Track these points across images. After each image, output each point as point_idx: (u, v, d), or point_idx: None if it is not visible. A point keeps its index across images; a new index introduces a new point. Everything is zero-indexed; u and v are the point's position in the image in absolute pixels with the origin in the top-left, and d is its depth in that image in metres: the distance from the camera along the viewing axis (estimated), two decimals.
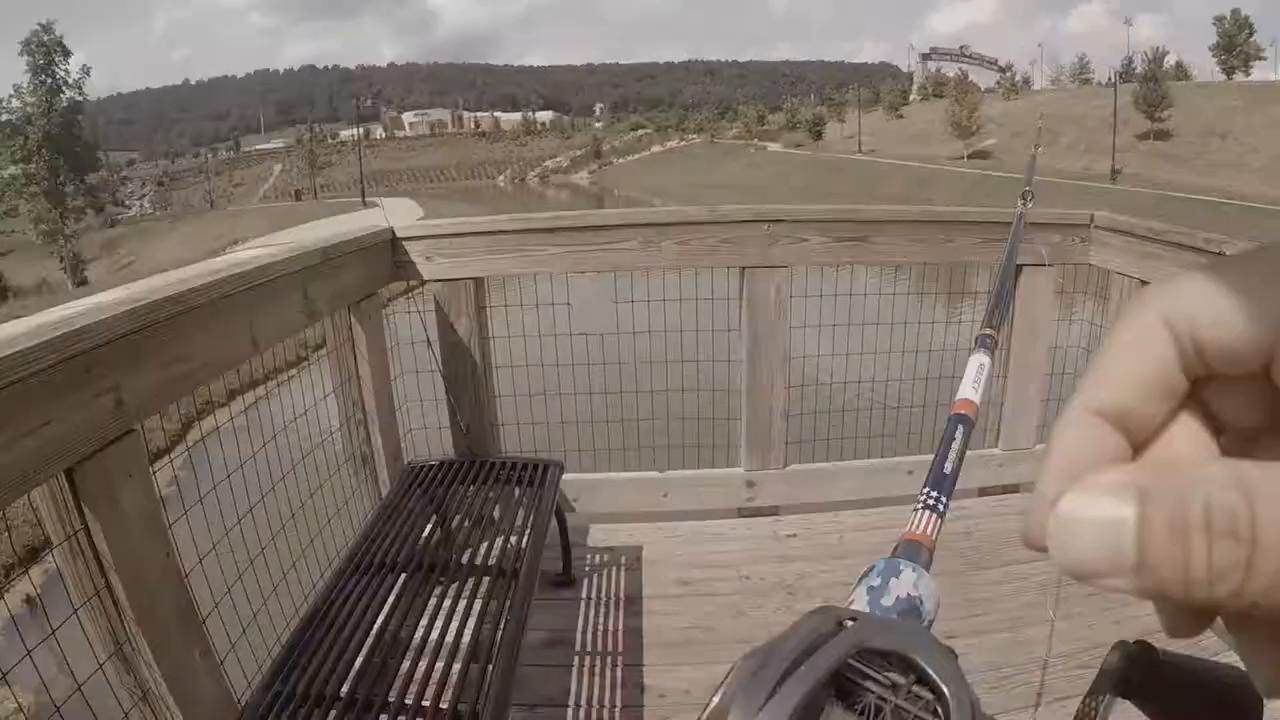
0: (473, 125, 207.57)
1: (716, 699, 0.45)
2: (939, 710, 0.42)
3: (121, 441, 1.76)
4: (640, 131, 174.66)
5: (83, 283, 44.31)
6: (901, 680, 0.44)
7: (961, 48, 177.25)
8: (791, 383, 3.85)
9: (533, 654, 2.98)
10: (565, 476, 3.56)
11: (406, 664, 2.07)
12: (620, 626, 3.22)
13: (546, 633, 3.13)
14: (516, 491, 3.06)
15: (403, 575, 2.45)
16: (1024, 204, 1.62)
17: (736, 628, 3.19)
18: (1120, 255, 3.65)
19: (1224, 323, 0.28)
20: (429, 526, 2.80)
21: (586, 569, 3.58)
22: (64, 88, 49.31)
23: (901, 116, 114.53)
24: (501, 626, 2.23)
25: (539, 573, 2.64)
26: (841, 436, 4.13)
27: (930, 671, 0.43)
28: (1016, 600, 3.31)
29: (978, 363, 0.82)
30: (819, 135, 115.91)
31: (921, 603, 0.55)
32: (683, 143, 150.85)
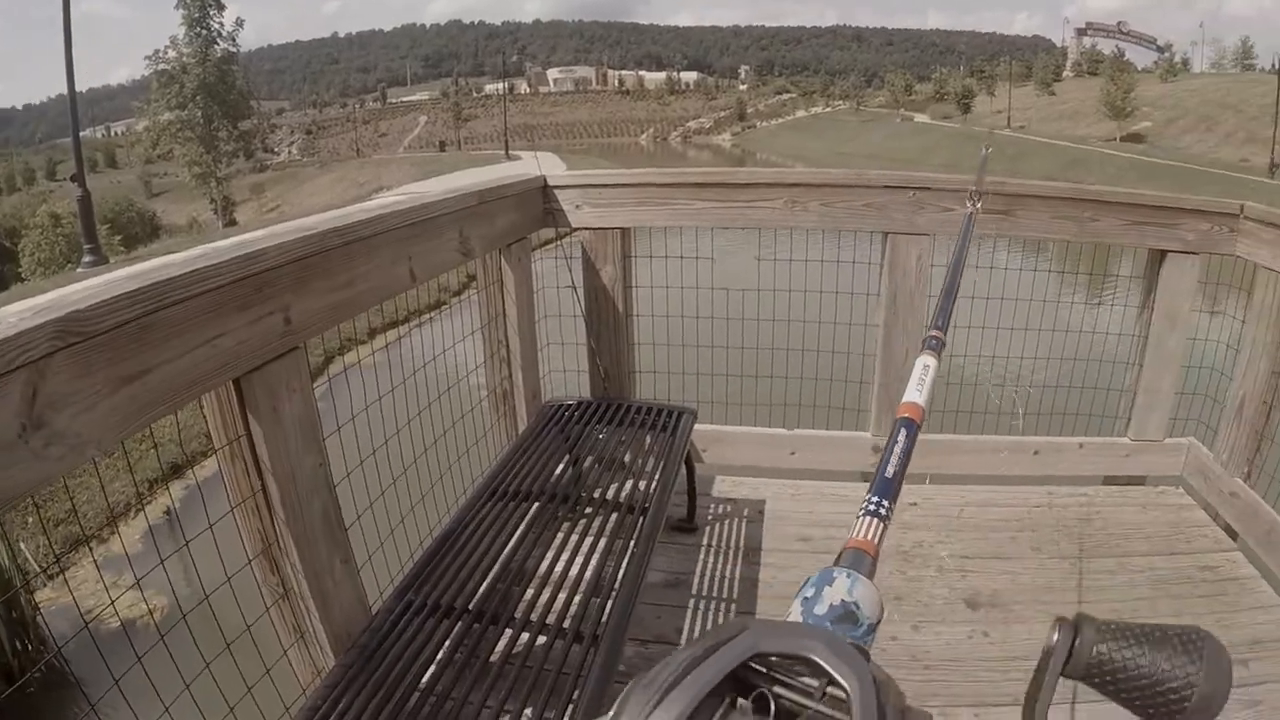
0: (617, 83, 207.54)
1: (610, 714, 0.43)
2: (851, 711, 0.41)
3: (286, 357, 1.86)
4: (785, 96, 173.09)
5: (231, 223, 45.48)
6: (814, 684, 0.45)
7: (1119, 24, 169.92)
8: None
9: (651, 593, 3.05)
10: (696, 426, 3.63)
11: (531, 590, 2.14)
12: (738, 575, 3.27)
13: (665, 574, 3.19)
14: (649, 437, 3.11)
15: (535, 505, 2.53)
16: (974, 205, 1.56)
17: None
18: (1269, 248, 3.48)
19: None
20: (562, 463, 2.87)
21: (709, 517, 3.64)
22: (218, 39, 50.60)
23: (1053, 93, 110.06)
24: (625, 563, 2.29)
25: (664, 516, 2.69)
26: (971, 411, 4.09)
27: (832, 671, 0.43)
28: (1128, 593, 3.25)
29: (923, 364, 0.83)
30: (967, 108, 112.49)
31: (857, 607, 0.55)
32: (827, 109, 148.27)
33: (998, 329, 3.83)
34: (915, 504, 3.80)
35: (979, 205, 1.37)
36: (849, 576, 0.58)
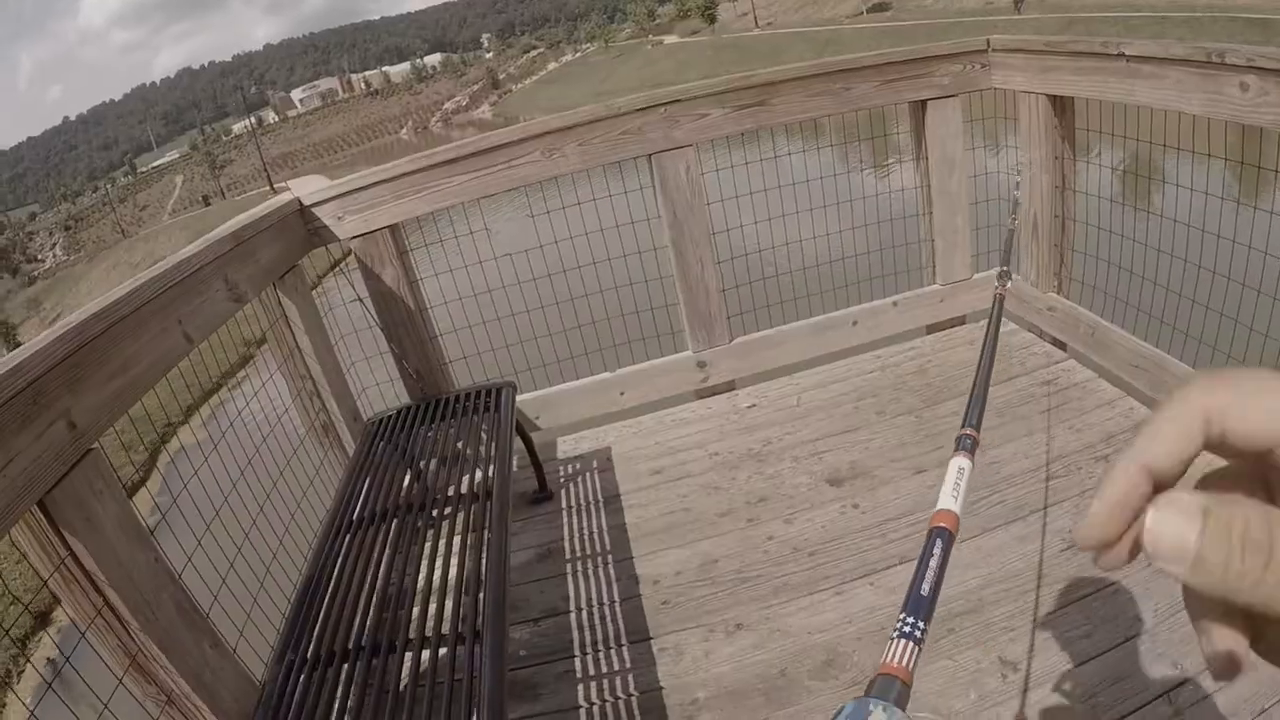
0: (363, 86, 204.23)
1: None
2: None
3: (83, 463, 1.81)
4: (533, 52, 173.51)
5: (16, 345, 43.42)
6: None
7: None
8: (728, 256, 3.96)
9: (527, 571, 3.12)
10: (523, 396, 3.67)
11: (416, 608, 2.15)
12: (604, 526, 3.34)
13: (536, 549, 3.24)
14: (476, 422, 3.12)
15: (392, 523, 2.52)
16: (1001, 286, 1.53)
17: (713, 502, 3.33)
18: (1022, 74, 3.72)
19: (1246, 419, 0.40)
20: (404, 474, 2.87)
21: (562, 480, 3.70)
22: None
23: None
24: (485, 552, 2.31)
25: (511, 494, 2.71)
26: (788, 299, 4.20)
27: None
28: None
29: (957, 467, 0.78)
30: (713, 19, 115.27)
31: None
32: (577, 54, 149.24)
33: (797, 213, 3.96)
34: (754, 405, 3.94)
35: (1008, 286, 1.33)
36: (885, 710, 0.54)
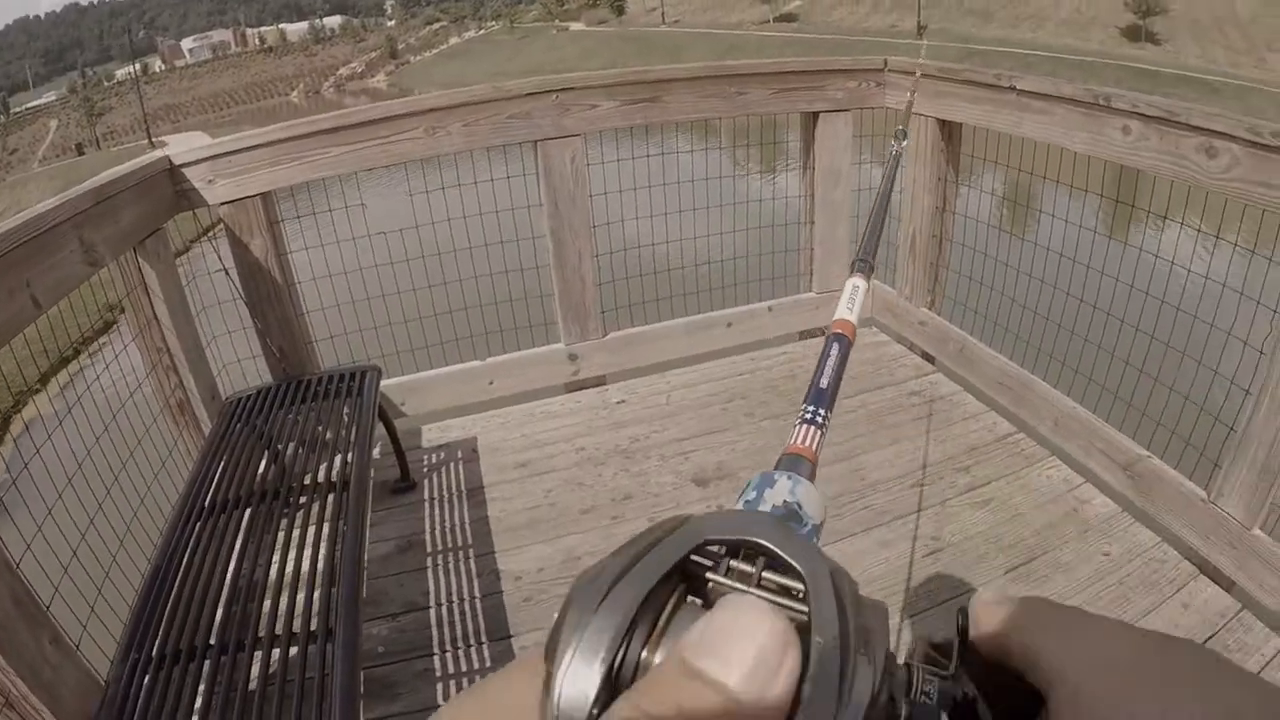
0: (258, 42, 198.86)
1: (556, 614, 0.40)
2: (801, 588, 0.40)
3: None
4: (436, 25, 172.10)
5: None
6: (750, 569, 0.42)
7: None
8: (607, 250, 3.94)
9: (387, 564, 3.06)
10: (389, 381, 3.61)
11: (268, 602, 2.07)
12: (467, 519, 3.30)
13: (396, 541, 3.19)
14: (338, 406, 3.05)
15: (246, 511, 2.44)
16: (898, 144, 1.59)
17: (578, 498, 3.34)
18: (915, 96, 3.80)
19: None
20: (261, 458, 2.77)
21: (425, 470, 3.64)
22: None
23: None
24: (340, 545, 2.26)
25: (372, 483, 2.66)
26: (664, 297, 4.21)
27: (786, 556, 0.41)
28: (848, 432, 3.63)
29: (852, 285, 0.84)
30: (621, 10, 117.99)
31: (800, 507, 0.54)
32: (481, 31, 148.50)
33: (680, 212, 3.97)
34: (624, 401, 3.95)
35: (904, 144, 1.43)
36: (790, 479, 0.56)
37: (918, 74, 3.46)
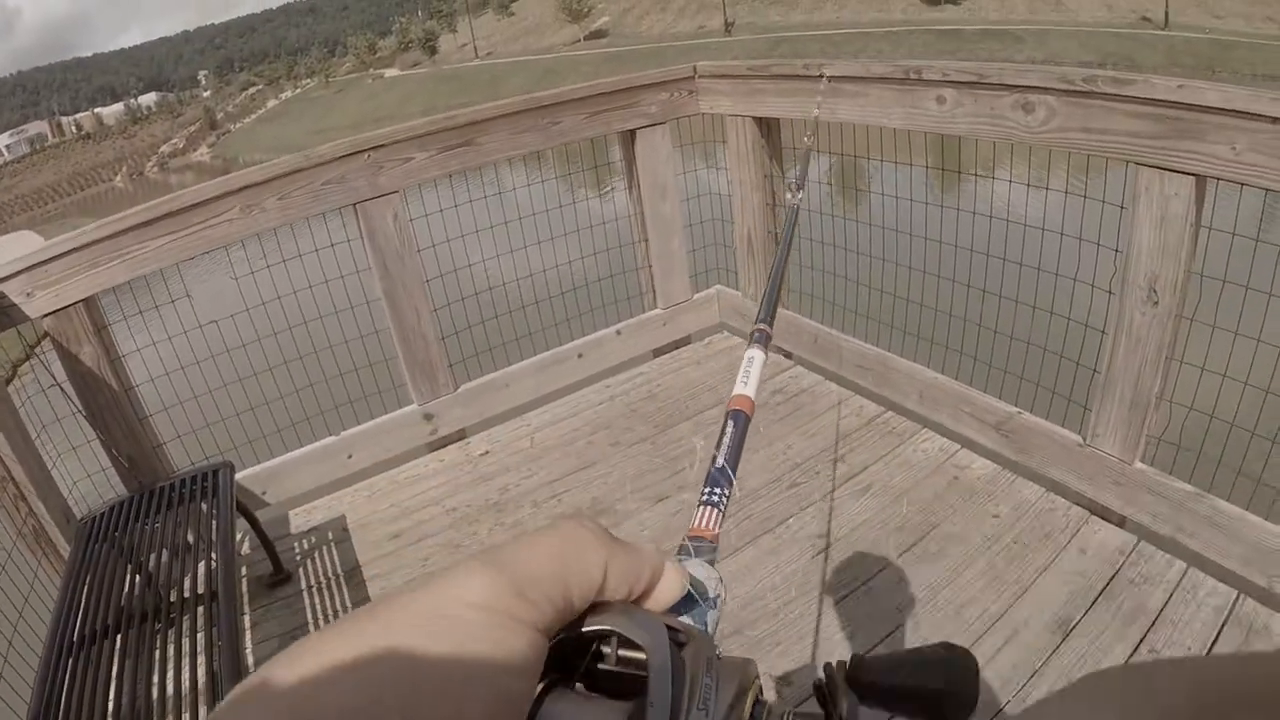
0: (75, 130, 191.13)
1: None
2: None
3: None
4: (252, 89, 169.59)
5: None
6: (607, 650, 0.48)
7: None
8: (444, 302, 3.89)
9: None
10: (248, 471, 3.57)
11: None
12: (348, 602, 3.24)
13: (279, 638, 3.10)
14: (195, 509, 2.96)
15: (118, 636, 2.34)
16: (794, 196, 1.58)
17: (456, 561, 3.24)
18: (728, 98, 3.95)
19: None
20: (125, 577, 2.66)
21: (298, 557, 3.55)
22: None
23: (512, 14, 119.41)
24: (216, 659, 2.20)
25: (244, 582, 2.59)
26: (510, 340, 4.18)
27: (628, 635, 0.46)
28: (709, 443, 3.57)
29: (748, 357, 0.85)
30: (434, 50, 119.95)
31: (693, 587, 0.56)
32: (297, 90, 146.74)
33: (509, 252, 3.96)
34: (487, 452, 3.95)
35: (800, 196, 1.40)
36: (697, 565, 0.59)
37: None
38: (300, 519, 3.78)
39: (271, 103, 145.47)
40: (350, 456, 3.87)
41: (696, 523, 0.65)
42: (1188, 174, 2.40)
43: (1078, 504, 3.02)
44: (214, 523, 2.85)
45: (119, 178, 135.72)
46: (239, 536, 3.52)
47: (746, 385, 0.80)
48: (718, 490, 0.67)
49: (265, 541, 3.36)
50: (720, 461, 0.70)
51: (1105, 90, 2.50)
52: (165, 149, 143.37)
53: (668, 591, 0.49)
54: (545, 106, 3.82)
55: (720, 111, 3.99)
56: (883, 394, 3.70)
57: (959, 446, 3.39)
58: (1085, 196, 2.87)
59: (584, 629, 0.47)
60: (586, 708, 0.45)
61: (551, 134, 3.84)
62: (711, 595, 0.56)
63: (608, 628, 0.46)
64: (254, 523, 3.33)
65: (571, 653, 0.47)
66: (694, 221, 4.45)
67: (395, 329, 3.79)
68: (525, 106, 3.80)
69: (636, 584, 0.48)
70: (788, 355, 4.15)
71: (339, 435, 3.87)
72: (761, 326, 0.93)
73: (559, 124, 3.84)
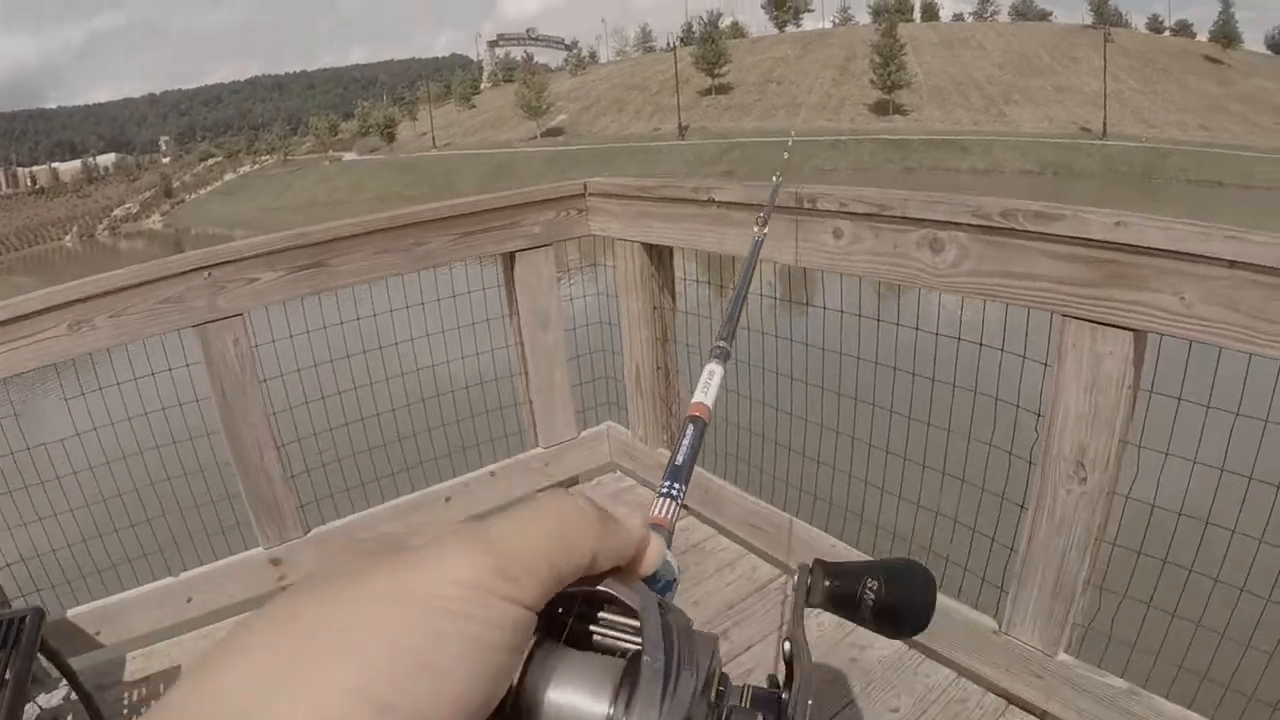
0: (30, 182, 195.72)
1: None
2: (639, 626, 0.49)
3: None
4: (211, 160, 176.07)
5: None
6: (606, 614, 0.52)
7: (528, 30, 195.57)
8: (293, 437, 3.66)
9: None
10: (79, 609, 3.34)
11: None
12: None
13: None
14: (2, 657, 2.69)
15: None
16: (760, 229, 1.56)
17: None
18: (618, 220, 3.77)
19: None
20: None
21: (126, 710, 3.28)
22: None
23: (474, 106, 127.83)
24: None
25: None
26: (369, 480, 3.94)
27: (622, 597, 0.49)
28: None
29: (709, 371, 0.94)
30: (391, 137, 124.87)
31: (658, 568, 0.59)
32: (255, 166, 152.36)
33: (371, 383, 3.72)
34: None
35: (765, 230, 1.51)
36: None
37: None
38: (136, 664, 3.51)
39: (229, 176, 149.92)
40: (189, 600, 3.59)
41: (656, 512, 0.72)
42: (1125, 329, 2.13)
43: (994, 692, 2.71)
44: (15, 680, 2.55)
45: (69, 237, 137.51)
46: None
47: (706, 395, 0.90)
48: (676, 485, 0.75)
49: (83, 694, 3.04)
50: (679, 459, 0.79)
51: (1027, 227, 2.25)
52: (119, 212, 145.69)
53: (649, 562, 0.53)
54: (409, 225, 3.59)
55: (610, 234, 3.81)
56: (775, 555, 3.41)
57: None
58: (1003, 350, 2.58)
59: (573, 589, 0.49)
60: (579, 662, 0.49)
61: (415, 256, 3.60)
62: (670, 576, 0.61)
63: (600, 588, 0.50)
64: (69, 674, 3.03)
65: (559, 612, 0.50)
66: (585, 351, 4.25)
67: (236, 465, 3.52)
68: (385, 225, 3.56)
69: (622, 560, 0.51)
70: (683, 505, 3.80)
71: (178, 576, 3.59)
72: (721, 344, 1.02)
73: (425, 245, 3.61)
